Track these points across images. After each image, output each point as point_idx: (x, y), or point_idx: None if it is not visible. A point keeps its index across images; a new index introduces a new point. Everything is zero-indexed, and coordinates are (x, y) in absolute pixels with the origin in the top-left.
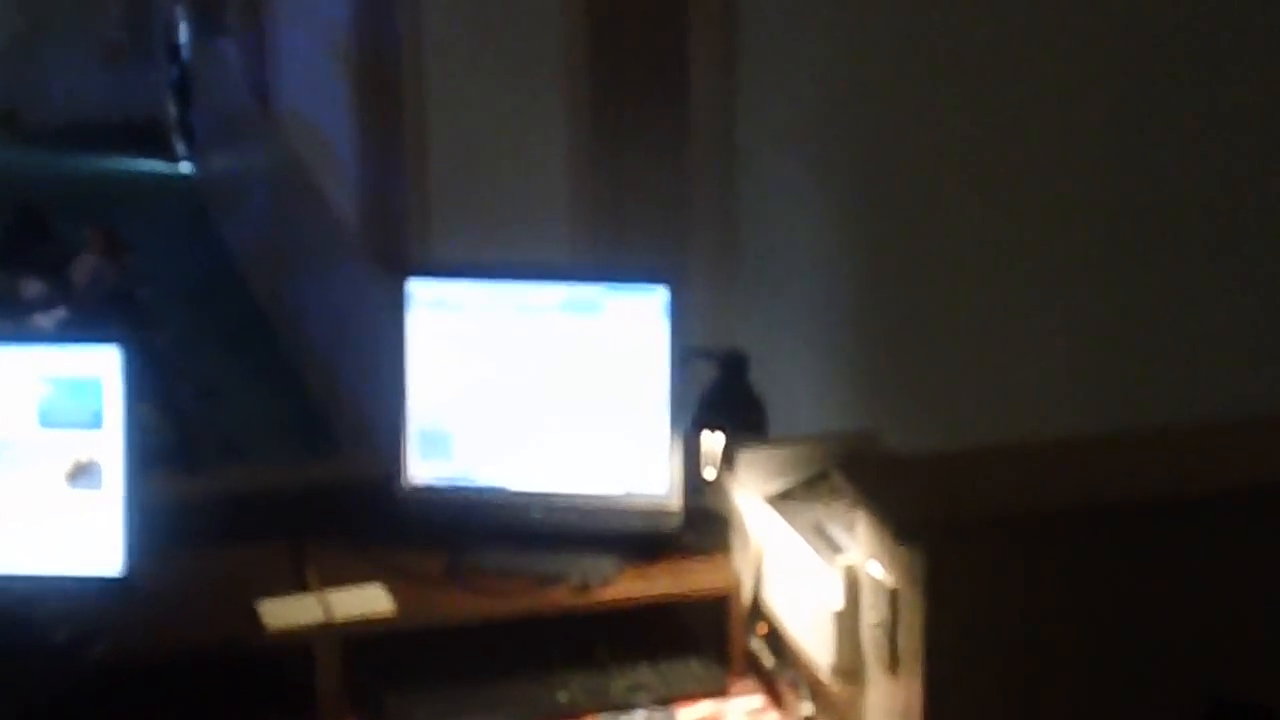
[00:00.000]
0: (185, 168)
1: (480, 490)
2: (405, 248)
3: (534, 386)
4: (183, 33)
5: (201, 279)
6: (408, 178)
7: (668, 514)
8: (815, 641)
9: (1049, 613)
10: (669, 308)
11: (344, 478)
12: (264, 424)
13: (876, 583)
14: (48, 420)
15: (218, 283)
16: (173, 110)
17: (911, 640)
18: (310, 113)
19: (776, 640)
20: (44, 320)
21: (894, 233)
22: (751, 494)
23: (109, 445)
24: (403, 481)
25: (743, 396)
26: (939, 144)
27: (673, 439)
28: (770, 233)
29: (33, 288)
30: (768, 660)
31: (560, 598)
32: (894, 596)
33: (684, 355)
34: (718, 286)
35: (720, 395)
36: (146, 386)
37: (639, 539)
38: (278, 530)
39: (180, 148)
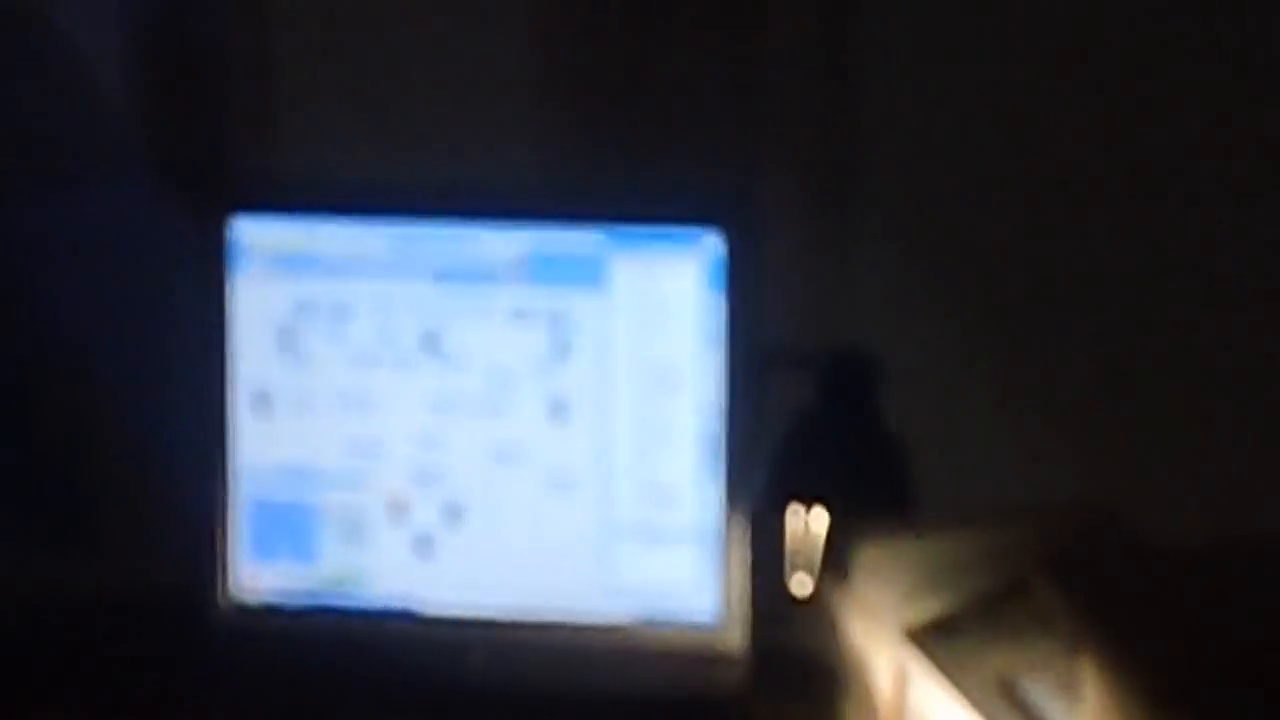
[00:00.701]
0: None
1: (368, 614)
2: (227, 155)
3: (472, 417)
4: None
5: None
6: (231, 14)
7: (720, 660)
8: None
9: None
10: (724, 272)
11: (108, 592)
12: None
13: None
14: None
15: None
16: None
17: None
18: None
19: None
20: None
21: (1127, 163)
22: (881, 623)
23: None
24: (221, 598)
25: (864, 437)
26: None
27: (730, 518)
28: (910, 142)
29: None
30: None
31: None
32: None
33: (754, 359)
34: (814, 233)
35: (822, 435)
36: None
37: (666, 708)
38: None
39: None
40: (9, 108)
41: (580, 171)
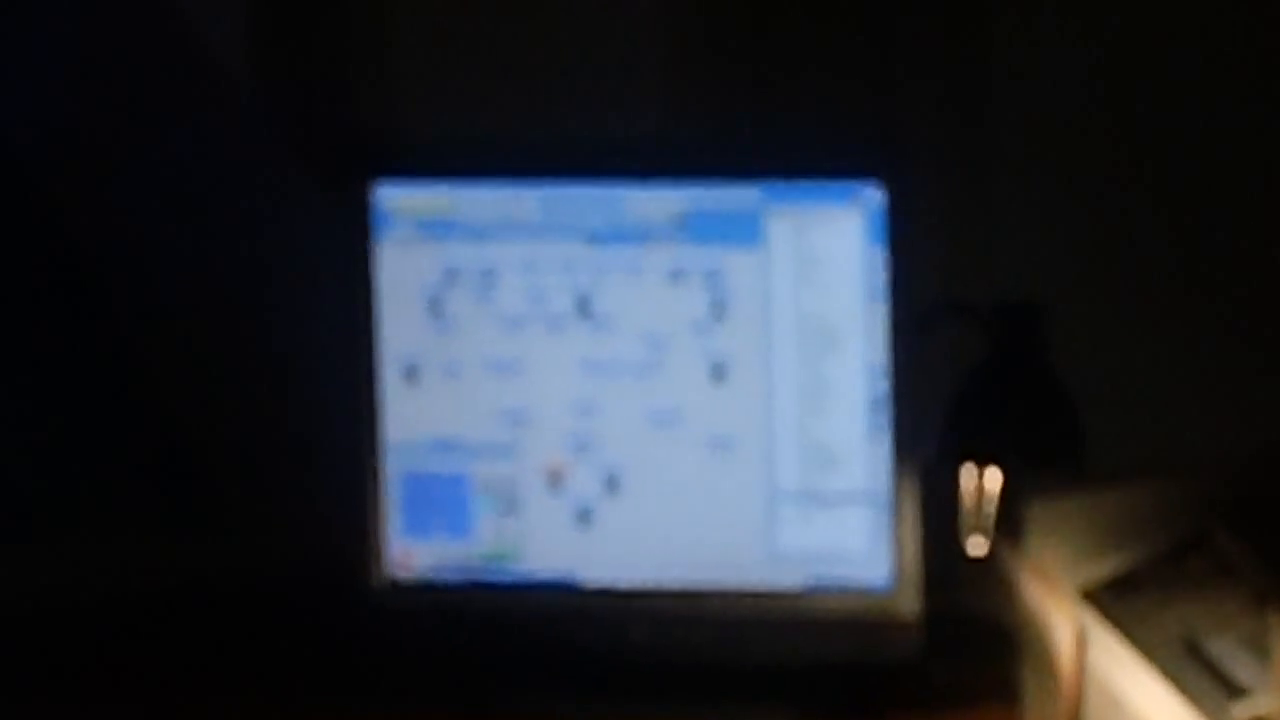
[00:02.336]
0: None
1: (526, 589)
2: (363, 121)
3: (628, 382)
4: None
5: None
6: None
7: (893, 626)
8: None
9: None
10: (885, 224)
11: (259, 575)
12: (81, 471)
13: None
14: None
15: None
16: None
17: None
18: None
19: None
20: None
21: None
22: (1059, 583)
23: None
24: (374, 577)
25: (1036, 391)
26: None
27: (900, 479)
28: (1066, 86)
29: None
30: None
31: None
32: None
33: (919, 315)
34: (972, 183)
35: (993, 391)
36: None
37: (839, 675)
38: (123, 675)
39: None
40: (123, 71)
41: (733, 126)
